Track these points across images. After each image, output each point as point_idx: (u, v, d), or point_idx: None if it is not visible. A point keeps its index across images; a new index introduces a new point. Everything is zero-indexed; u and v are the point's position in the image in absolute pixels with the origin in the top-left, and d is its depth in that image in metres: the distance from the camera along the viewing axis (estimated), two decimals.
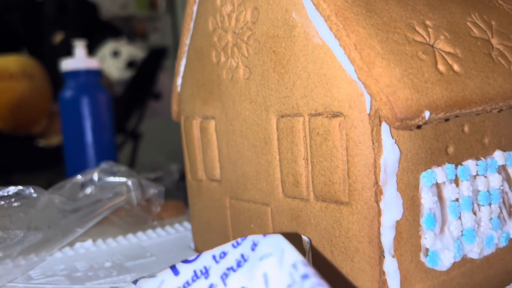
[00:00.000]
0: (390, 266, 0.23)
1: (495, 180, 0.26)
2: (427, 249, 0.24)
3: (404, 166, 0.23)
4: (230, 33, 0.29)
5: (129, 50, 1.57)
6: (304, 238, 0.25)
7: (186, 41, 0.34)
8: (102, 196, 0.38)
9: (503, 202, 0.27)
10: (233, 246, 0.19)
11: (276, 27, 0.26)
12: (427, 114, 0.21)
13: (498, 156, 0.27)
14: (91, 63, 0.77)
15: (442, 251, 0.24)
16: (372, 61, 0.21)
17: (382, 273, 0.23)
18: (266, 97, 0.27)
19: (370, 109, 0.22)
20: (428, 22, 0.23)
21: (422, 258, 0.24)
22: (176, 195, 0.51)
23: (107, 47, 1.61)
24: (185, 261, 0.19)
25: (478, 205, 0.26)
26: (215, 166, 0.32)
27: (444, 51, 0.23)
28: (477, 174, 0.26)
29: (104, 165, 0.41)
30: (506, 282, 0.27)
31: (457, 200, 0.25)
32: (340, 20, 0.22)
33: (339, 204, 0.24)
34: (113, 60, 1.60)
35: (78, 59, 0.75)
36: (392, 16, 0.23)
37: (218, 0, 0.30)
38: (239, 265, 0.18)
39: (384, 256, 0.23)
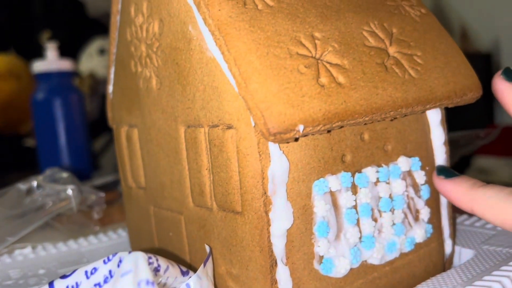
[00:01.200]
0: (282, 274, 0.24)
1: (398, 186, 0.27)
2: (321, 257, 0.24)
3: (295, 176, 0.24)
4: (144, 44, 0.29)
5: None
6: (206, 247, 0.26)
7: (113, 50, 0.34)
8: (43, 203, 0.38)
9: (409, 207, 0.28)
10: (104, 262, 0.19)
11: (177, 39, 0.26)
12: (301, 128, 0.21)
13: (402, 162, 0.27)
14: (63, 65, 0.77)
15: (337, 258, 0.25)
16: (249, 76, 0.21)
17: (274, 281, 0.24)
18: (174, 108, 0.27)
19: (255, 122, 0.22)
20: (317, 34, 0.24)
21: (316, 265, 0.24)
22: None
23: (94, 45, 1.61)
24: (63, 277, 0.20)
25: (380, 211, 0.26)
26: (140, 174, 0.33)
27: (331, 63, 0.23)
28: (378, 181, 0.26)
29: (48, 171, 0.42)
30: (413, 286, 0.27)
31: (355, 207, 0.25)
32: (222, 35, 0.22)
33: (235, 214, 0.24)
34: (100, 58, 1.60)
35: (50, 61, 0.76)
36: (277, 30, 0.23)
37: (132, 11, 0.30)
38: (105, 281, 0.18)
39: (276, 265, 0.24)
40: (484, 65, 1.62)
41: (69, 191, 0.39)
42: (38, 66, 0.75)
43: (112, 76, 0.35)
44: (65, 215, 0.39)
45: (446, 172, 0.27)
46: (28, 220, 0.37)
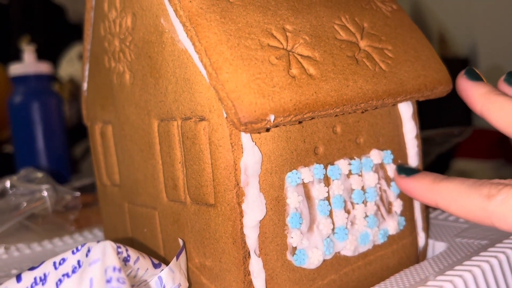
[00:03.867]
0: (255, 265, 0.23)
1: (371, 179, 0.27)
2: (294, 248, 0.24)
3: (268, 168, 0.24)
4: (117, 39, 0.29)
5: None
6: (180, 241, 0.26)
7: (87, 46, 0.34)
8: (17, 203, 0.38)
9: (381, 199, 0.28)
10: (73, 252, 0.19)
11: (150, 32, 0.26)
12: (271, 117, 0.21)
13: (374, 155, 0.27)
14: (41, 68, 0.76)
15: (310, 249, 0.25)
16: (220, 66, 0.21)
17: (247, 273, 0.23)
18: (147, 102, 0.27)
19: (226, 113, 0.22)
20: (288, 27, 0.24)
21: (289, 256, 0.24)
22: None
23: (74, 50, 1.60)
24: (30, 268, 0.19)
25: (352, 203, 0.27)
26: (114, 171, 0.32)
27: (302, 55, 0.23)
28: (351, 173, 0.27)
29: (23, 171, 0.41)
30: (386, 277, 0.28)
31: (327, 199, 0.26)
32: (193, 26, 0.22)
33: (208, 207, 0.24)
34: (80, 63, 1.58)
35: (27, 64, 0.75)
36: (248, 21, 0.23)
37: (106, 6, 0.30)
38: (74, 271, 0.18)
39: (249, 256, 0.24)
40: (462, 69, 1.64)
41: (44, 191, 0.38)
42: (15, 69, 0.74)
43: (86, 73, 0.35)
44: (41, 216, 0.39)
45: (406, 170, 0.27)
46: (2, 220, 0.36)
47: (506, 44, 1.71)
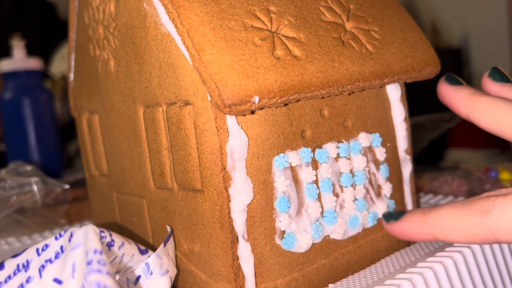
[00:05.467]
0: (244, 250, 0.23)
1: (359, 162, 0.27)
2: (282, 232, 0.24)
3: (254, 151, 0.23)
4: (101, 26, 0.29)
5: None
6: (168, 228, 0.26)
7: (73, 36, 0.34)
8: (6, 196, 0.37)
9: (370, 183, 0.28)
10: (56, 238, 0.19)
11: (133, 17, 0.26)
12: (256, 99, 0.21)
13: (362, 138, 0.27)
14: (31, 64, 0.76)
15: (299, 233, 0.24)
16: (202, 48, 0.21)
17: (235, 258, 0.23)
18: (132, 89, 0.27)
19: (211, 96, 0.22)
20: (272, 8, 0.24)
21: (277, 240, 0.24)
22: None
23: (67, 47, 1.58)
24: (14, 256, 0.19)
25: (341, 186, 0.26)
26: (102, 161, 0.32)
27: (287, 37, 0.23)
28: (339, 157, 0.26)
29: (11, 165, 0.41)
30: (377, 261, 0.28)
31: (316, 182, 0.25)
32: (175, 8, 0.22)
33: (195, 192, 0.24)
34: None
35: (17, 60, 0.74)
36: (232, 3, 0.23)
37: None
38: (57, 256, 0.18)
39: (237, 241, 0.23)
40: (454, 59, 1.65)
41: (33, 184, 0.38)
42: (5, 65, 0.74)
43: (72, 63, 0.35)
44: (30, 209, 0.38)
45: (392, 216, 0.26)
46: None
47: (498, 35, 1.71)
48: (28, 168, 0.40)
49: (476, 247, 0.26)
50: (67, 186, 0.39)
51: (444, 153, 1.45)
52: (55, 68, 1.47)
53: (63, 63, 1.50)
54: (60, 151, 0.79)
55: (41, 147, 0.75)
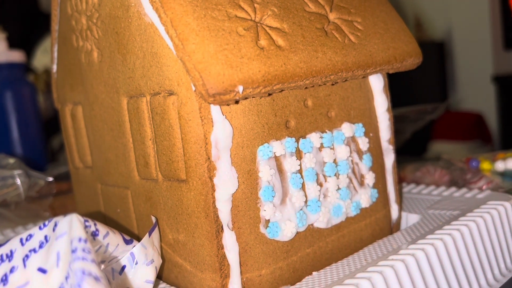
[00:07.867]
0: (229, 239, 0.23)
1: (342, 152, 0.27)
2: (267, 221, 0.24)
3: (239, 141, 0.24)
4: (84, 16, 0.29)
5: None
6: (152, 218, 0.26)
7: (56, 27, 0.33)
8: None
9: (354, 172, 0.28)
10: (40, 228, 0.19)
11: (116, 7, 0.25)
12: (240, 88, 0.21)
13: (346, 128, 0.28)
14: (13, 56, 0.75)
15: (283, 222, 0.25)
16: (186, 37, 0.21)
17: (220, 247, 0.23)
18: (116, 79, 0.27)
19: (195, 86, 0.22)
20: None
21: (262, 229, 0.24)
22: None
23: (48, 41, 1.56)
24: None
25: (324, 176, 0.27)
26: (86, 153, 0.32)
27: (270, 27, 0.23)
28: (322, 146, 0.27)
29: None
30: (360, 249, 0.28)
31: (300, 172, 0.26)
32: None
33: (180, 182, 0.24)
34: None
35: None
36: None
37: None
38: (41, 246, 0.18)
39: (222, 230, 0.23)
40: (438, 53, 1.67)
41: (16, 177, 0.37)
42: None
43: (55, 54, 0.34)
44: (14, 202, 0.38)
45: None
46: None
47: (481, 28, 1.73)
48: (11, 160, 0.40)
49: (457, 234, 0.27)
50: (51, 179, 0.39)
51: (427, 146, 1.47)
52: (38, 61, 1.45)
53: (46, 56, 1.48)
54: (44, 145, 0.78)
55: (24, 141, 0.75)
